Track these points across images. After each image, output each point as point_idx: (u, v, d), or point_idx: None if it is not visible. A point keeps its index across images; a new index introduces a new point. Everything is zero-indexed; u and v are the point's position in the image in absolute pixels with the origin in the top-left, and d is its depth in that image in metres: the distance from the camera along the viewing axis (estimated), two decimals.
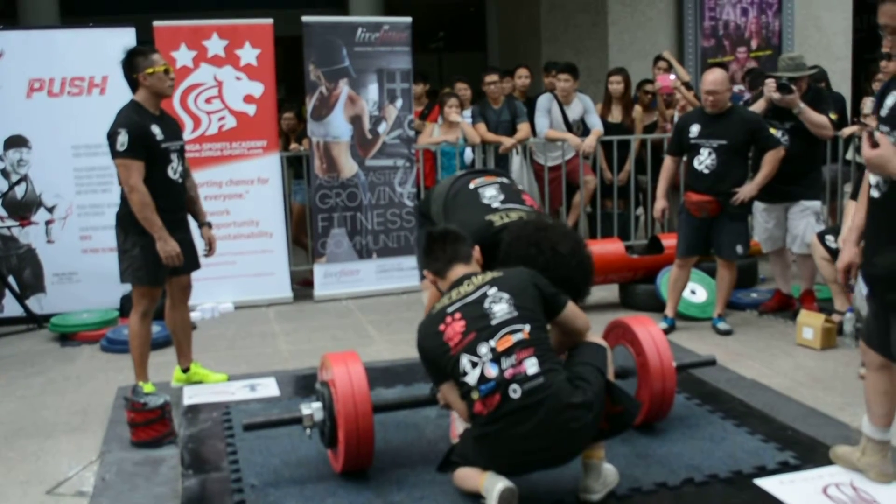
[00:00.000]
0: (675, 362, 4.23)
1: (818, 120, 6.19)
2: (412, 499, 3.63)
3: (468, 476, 3.50)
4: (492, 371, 3.38)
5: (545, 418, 3.28)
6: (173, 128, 5.09)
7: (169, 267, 4.93)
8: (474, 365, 3.42)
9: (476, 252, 3.79)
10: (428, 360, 3.64)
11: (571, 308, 3.63)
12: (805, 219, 6.31)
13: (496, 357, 3.38)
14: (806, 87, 6.36)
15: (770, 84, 6.24)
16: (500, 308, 3.46)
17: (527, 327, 3.41)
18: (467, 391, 3.44)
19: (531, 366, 3.33)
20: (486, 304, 3.48)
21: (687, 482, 3.72)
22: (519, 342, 3.38)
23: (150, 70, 4.86)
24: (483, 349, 3.41)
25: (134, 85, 4.92)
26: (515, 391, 3.32)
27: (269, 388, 5.22)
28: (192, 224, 5.28)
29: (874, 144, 3.26)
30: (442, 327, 3.55)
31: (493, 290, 3.51)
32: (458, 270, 3.70)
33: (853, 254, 3.68)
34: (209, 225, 5.35)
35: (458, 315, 3.52)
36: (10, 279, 7.15)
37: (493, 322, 3.44)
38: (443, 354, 3.53)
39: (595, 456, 3.53)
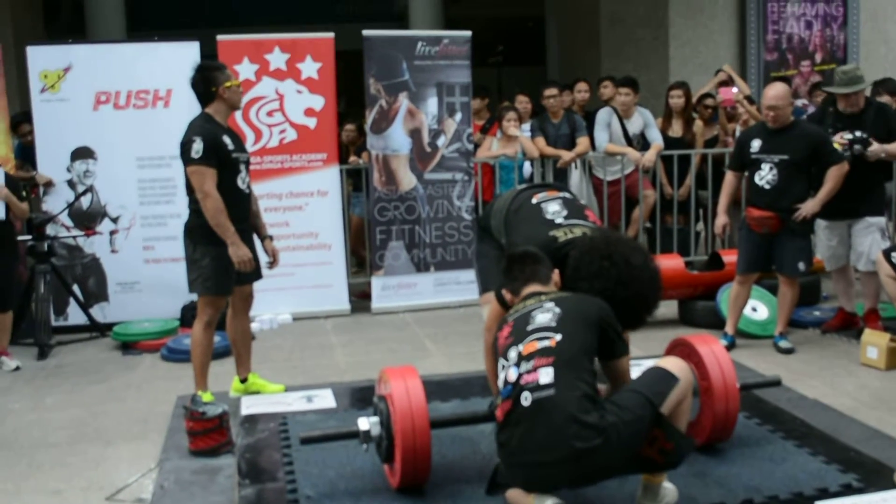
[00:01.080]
0: (738, 382, 4.15)
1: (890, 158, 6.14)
2: None
3: (519, 496, 3.47)
4: (512, 375, 3.37)
5: (548, 432, 3.20)
6: (241, 141, 5.20)
7: (235, 277, 5.00)
8: (503, 368, 3.44)
9: (555, 275, 3.75)
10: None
11: (626, 363, 3.60)
12: (870, 235, 6.19)
13: (518, 361, 3.37)
14: (865, 104, 6.25)
15: (840, 140, 6.14)
16: (543, 317, 3.43)
17: (557, 336, 3.34)
18: (496, 399, 3.48)
19: (545, 375, 3.25)
20: (534, 313, 3.47)
21: (746, 503, 3.65)
22: (542, 349, 3.32)
23: (229, 84, 5.00)
24: (512, 353, 3.41)
25: (208, 98, 5.01)
26: (526, 399, 3.27)
27: (325, 399, 5.24)
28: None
29: None
30: (499, 333, 3.59)
31: (549, 304, 3.48)
32: (532, 289, 3.68)
33: None
34: (271, 238, 5.41)
35: (511, 322, 3.55)
36: (75, 288, 7.29)
37: (529, 328, 3.42)
38: (496, 359, 3.58)
39: (654, 480, 3.48)
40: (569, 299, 3.52)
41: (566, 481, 3.32)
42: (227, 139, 4.96)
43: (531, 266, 3.73)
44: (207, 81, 5.00)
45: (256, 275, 5.28)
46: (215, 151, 4.85)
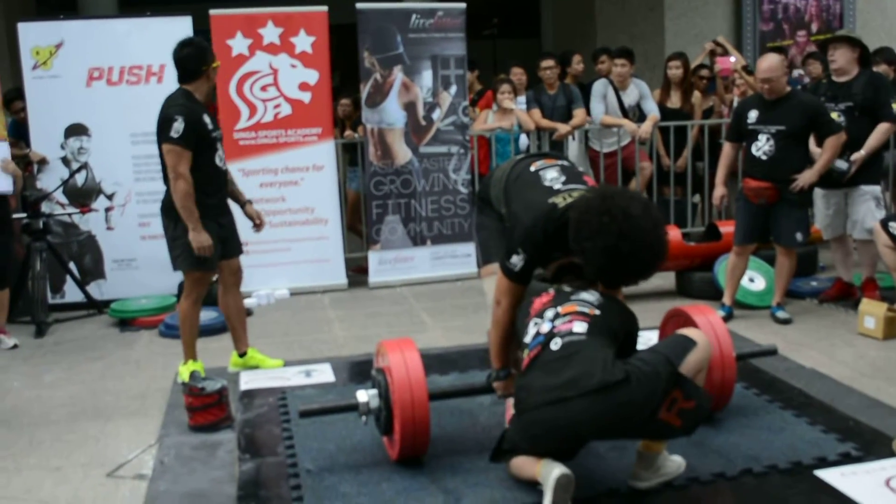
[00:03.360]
0: (734, 352, 4.16)
1: (880, 140, 6.16)
2: (467, 485, 3.62)
3: (524, 464, 3.47)
4: (545, 328, 3.45)
5: (575, 369, 3.25)
6: (215, 118, 5.19)
7: (219, 252, 5.03)
8: (535, 325, 3.51)
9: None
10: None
11: None
12: (865, 203, 6.20)
13: (555, 317, 3.46)
14: (858, 72, 6.23)
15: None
16: (588, 296, 3.52)
17: (597, 311, 3.43)
18: (522, 351, 3.53)
19: (579, 326, 3.36)
20: (580, 290, 3.57)
21: (745, 473, 3.67)
22: (581, 312, 3.42)
23: (216, 64, 5.04)
24: (549, 313, 3.50)
25: (195, 75, 5.00)
26: (556, 343, 3.36)
27: (324, 373, 5.25)
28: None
29: None
30: (536, 299, 3.66)
31: (596, 294, 3.55)
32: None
33: None
34: (250, 202, 5.43)
35: (553, 291, 3.65)
36: (71, 265, 7.28)
37: (572, 297, 3.52)
38: (522, 321, 3.66)
39: (652, 448, 3.49)
40: (615, 302, 3.59)
41: (586, 422, 3.27)
42: (206, 118, 4.96)
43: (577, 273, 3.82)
44: (200, 59, 4.99)
45: (240, 248, 5.33)
46: (195, 131, 4.84)
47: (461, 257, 7.81)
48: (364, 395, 3.87)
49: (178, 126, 4.78)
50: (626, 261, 3.44)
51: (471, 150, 7.94)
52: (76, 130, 7.28)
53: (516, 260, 3.76)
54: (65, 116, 7.25)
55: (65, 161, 7.28)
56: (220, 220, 5.05)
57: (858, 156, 6.10)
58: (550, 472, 3.27)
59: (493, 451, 3.64)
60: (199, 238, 4.88)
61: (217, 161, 5.04)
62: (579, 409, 3.24)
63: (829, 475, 3.59)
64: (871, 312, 5.69)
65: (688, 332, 3.55)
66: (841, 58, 6.21)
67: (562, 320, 3.42)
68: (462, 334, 6.08)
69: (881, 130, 6.13)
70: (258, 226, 5.39)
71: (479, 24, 15.30)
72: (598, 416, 3.23)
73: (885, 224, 5.86)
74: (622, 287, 3.84)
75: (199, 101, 5.01)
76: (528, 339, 3.52)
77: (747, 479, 3.63)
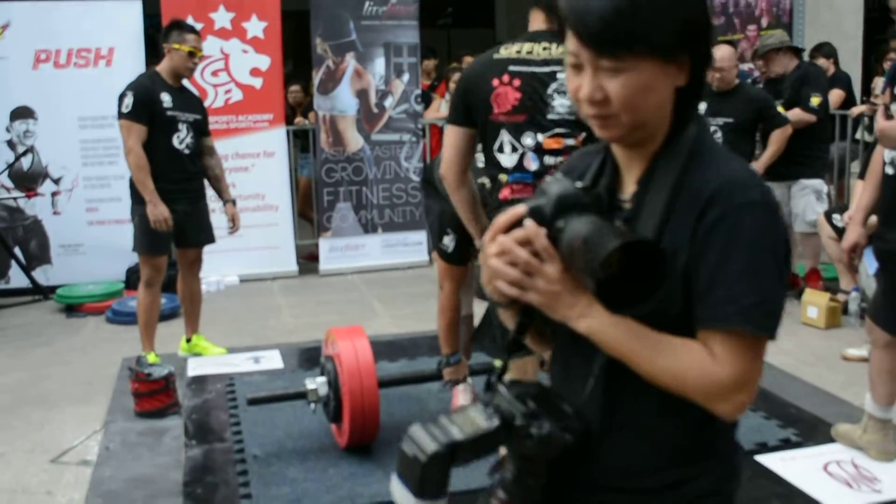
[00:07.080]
0: None
1: (793, 126, 6.12)
2: None
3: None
4: (532, 164, 3.15)
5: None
6: (191, 102, 5.16)
7: (167, 235, 4.98)
8: (514, 149, 3.17)
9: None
10: (464, 96, 3.26)
11: None
12: (805, 197, 6.29)
13: (540, 153, 3.14)
14: (794, 65, 6.40)
15: None
16: (562, 103, 3.12)
17: (582, 135, 3.12)
18: (496, 169, 3.22)
19: None
20: (550, 91, 3.14)
21: None
22: (568, 147, 3.12)
23: (177, 46, 4.97)
24: (528, 140, 3.15)
25: (162, 54, 5.05)
26: None
27: (272, 360, 5.24)
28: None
29: (889, 116, 3.27)
30: (496, 82, 3.16)
31: (563, 76, 2.97)
32: (538, 19, 3.24)
33: (859, 234, 3.67)
34: (233, 202, 5.40)
35: (517, 82, 3.15)
36: (17, 250, 7.16)
37: (550, 116, 3.14)
38: (482, 109, 3.19)
39: None
40: None
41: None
42: (165, 96, 4.93)
43: None
44: (163, 37, 5.03)
45: (202, 239, 5.29)
46: (147, 108, 4.84)
47: (412, 245, 7.81)
48: (313, 383, 3.86)
49: (127, 101, 4.83)
50: None
51: (423, 138, 7.94)
52: (22, 113, 7.16)
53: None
54: (10, 99, 7.13)
55: (10, 144, 7.17)
56: (175, 207, 4.94)
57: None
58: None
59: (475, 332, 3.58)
60: (155, 211, 4.84)
61: (175, 143, 4.98)
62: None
63: (769, 460, 3.67)
64: (814, 302, 5.79)
65: None
66: (778, 66, 6.37)
67: (553, 160, 3.09)
68: (412, 322, 6.09)
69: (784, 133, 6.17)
70: (231, 229, 5.40)
71: (434, 12, 15.27)
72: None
73: (828, 216, 5.96)
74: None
75: (166, 80, 5.00)
76: (505, 162, 3.18)
77: None
